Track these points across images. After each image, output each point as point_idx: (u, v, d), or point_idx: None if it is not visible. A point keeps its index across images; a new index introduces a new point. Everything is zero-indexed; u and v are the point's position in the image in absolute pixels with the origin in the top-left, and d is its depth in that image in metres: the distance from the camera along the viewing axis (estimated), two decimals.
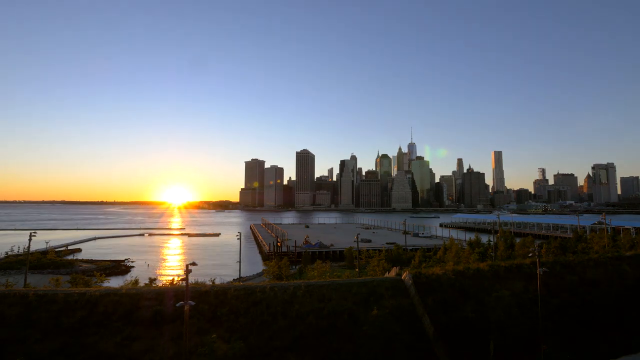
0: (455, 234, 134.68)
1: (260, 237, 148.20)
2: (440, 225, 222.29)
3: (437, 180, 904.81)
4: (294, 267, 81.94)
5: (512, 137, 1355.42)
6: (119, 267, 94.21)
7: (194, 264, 27.18)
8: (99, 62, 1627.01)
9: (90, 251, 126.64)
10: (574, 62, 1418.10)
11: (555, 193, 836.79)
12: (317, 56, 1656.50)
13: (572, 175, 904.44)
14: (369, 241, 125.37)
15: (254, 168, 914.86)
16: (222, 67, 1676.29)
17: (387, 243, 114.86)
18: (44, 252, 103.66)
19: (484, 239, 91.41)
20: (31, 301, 27.33)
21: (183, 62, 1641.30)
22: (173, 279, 47.92)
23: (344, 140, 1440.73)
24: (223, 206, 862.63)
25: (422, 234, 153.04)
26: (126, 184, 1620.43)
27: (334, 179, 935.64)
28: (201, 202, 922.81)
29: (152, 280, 48.17)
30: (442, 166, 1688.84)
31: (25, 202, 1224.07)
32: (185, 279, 26.03)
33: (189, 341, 24.51)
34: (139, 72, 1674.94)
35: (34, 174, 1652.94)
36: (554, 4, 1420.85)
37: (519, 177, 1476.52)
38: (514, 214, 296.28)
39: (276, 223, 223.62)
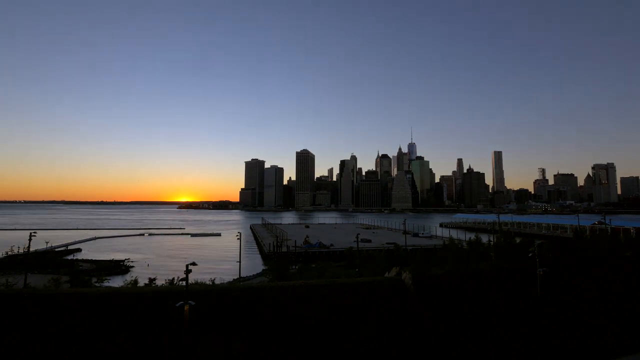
0: (455, 233, 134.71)
1: (260, 237, 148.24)
2: (440, 225, 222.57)
3: (437, 180, 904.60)
4: (294, 267, 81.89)
5: (512, 137, 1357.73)
6: (119, 267, 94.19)
7: (194, 264, 27.19)
8: (101, 62, 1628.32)
9: (90, 251, 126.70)
10: (574, 61, 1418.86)
11: (555, 193, 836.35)
12: (317, 56, 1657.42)
13: (572, 175, 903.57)
14: (369, 241, 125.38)
15: (254, 168, 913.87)
16: (222, 67, 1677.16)
17: (387, 243, 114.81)
18: (44, 252, 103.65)
19: (484, 239, 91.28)
20: (31, 301, 27.32)
21: (183, 62, 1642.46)
22: (173, 279, 47.92)
23: (344, 140, 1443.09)
24: (223, 206, 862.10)
25: (422, 234, 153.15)
26: (126, 184, 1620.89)
27: (334, 179, 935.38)
28: (201, 202, 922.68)
29: (152, 280, 48.21)
30: (442, 166, 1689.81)
31: (25, 202, 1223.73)
32: (185, 279, 26.04)
33: (189, 341, 24.53)
34: (139, 73, 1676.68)
35: (34, 174, 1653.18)
36: (554, 3, 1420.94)
37: (519, 177, 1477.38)
38: (514, 214, 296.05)
39: (276, 223, 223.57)
